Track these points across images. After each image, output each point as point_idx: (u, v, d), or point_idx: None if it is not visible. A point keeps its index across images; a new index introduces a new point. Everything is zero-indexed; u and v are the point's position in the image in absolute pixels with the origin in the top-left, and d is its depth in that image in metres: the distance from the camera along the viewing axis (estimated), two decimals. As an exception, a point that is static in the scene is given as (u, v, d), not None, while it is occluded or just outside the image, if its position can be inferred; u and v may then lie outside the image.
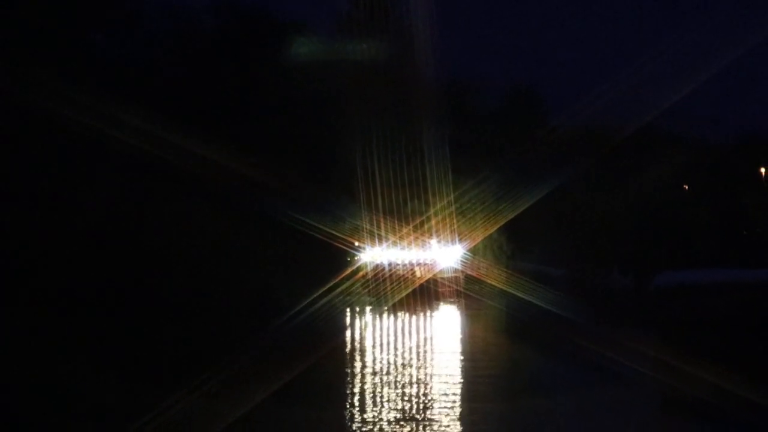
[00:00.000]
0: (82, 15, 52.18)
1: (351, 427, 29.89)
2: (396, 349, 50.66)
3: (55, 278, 40.05)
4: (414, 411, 32.17)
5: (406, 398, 34.49)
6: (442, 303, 71.82)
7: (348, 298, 66.46)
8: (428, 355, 48.72)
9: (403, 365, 43.56)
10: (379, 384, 38.03)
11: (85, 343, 38.59)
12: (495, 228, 74.94)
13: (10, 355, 36.92)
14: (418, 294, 70.56)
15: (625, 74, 78.40)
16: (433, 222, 73.94)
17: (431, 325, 62.23)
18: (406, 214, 72.83)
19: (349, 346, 52.19)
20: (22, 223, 42.67)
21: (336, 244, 68.09)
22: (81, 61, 48.54)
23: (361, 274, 72.62)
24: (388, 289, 70.92)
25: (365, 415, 31.41)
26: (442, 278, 75.43)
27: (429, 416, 31.33)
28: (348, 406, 33.13)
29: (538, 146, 72.67)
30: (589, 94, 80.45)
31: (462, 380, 39.44)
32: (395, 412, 32.17)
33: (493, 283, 71.86)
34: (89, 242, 43.02)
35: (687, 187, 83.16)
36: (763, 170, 79.66)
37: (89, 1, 53.70)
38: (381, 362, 45.47)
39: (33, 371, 35.48)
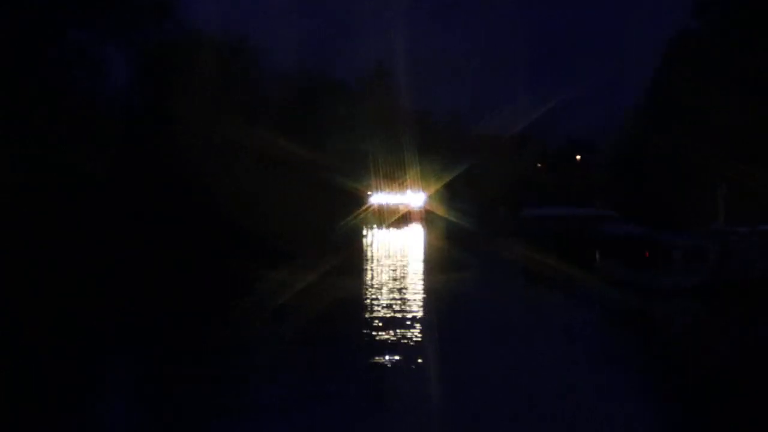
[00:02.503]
0: (232, 74, 50.55)
1: (368, 283, 31.12)
2: (389, 246, 52.29)
3: (210, 222, 38.90)
4: (400, 274, 33.59)
5: (396, 269, 35.50)
6: (413, 223, 71.79)
7: (364, 221, 66.43)
8: (405, 248, 50.08)
9: (394, 253, 45.44)
10: (382, 262, 39.38)
11: (236, 242, 36.68)
12: (441, 186, 75.04)
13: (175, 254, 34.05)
14: (401, 219, 71.65)
15: (512, 103, 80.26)
16: (408, 183, 73.70)
17: (407, 234, 63.01)
18: (395, 179, 72.06)
19: (366, 243, 53.94)
20: (186, 201, 39.78)
21: (359, 194, 67.30)
22: (233, 103, 47.34)
23: (372, 209, 71.91)
24: (385, 216, 71.16)
25: (375, 279, 32.56)
26: (413, 211, 75.38)
27: (408, 277, 33.02)
28: (366, 274, 34.49)
29: (463, 146, 72.26)
30: (492, 115, 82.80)
31: (422, 260, 42.06)
32: (391, 273, 33.69)
33: (439, 214, 72.01)
34: (234, 204, 37.59)
35: (540, 166, 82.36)
36: (578, 157, 78.58)
37: (235, 70, 52.31)
38: (382, 252, 47.08)
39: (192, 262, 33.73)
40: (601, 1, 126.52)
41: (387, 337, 20.40)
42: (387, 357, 18.24)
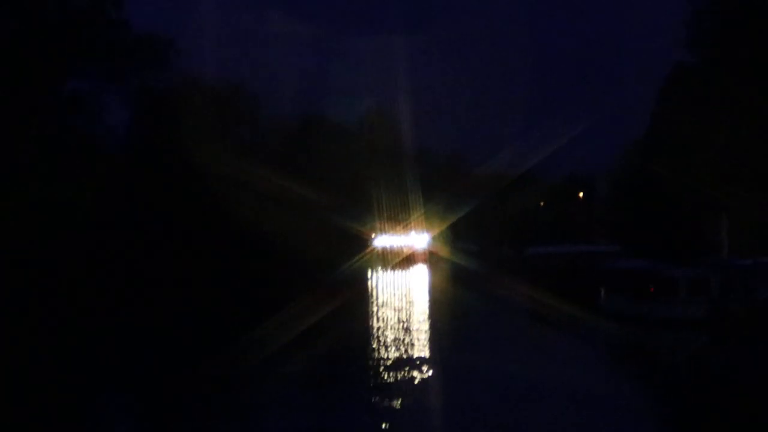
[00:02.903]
0: (231, 117, 51.41)
1: (373, 324, 31.27)
2: (395, 286, 51.99)
3: (227, 259, 41.04)
4: (405, 314, 33.96)
5: (401, 309, 35.86)
6: (417, 264, 71.15)
7: (369, 262, 66.56)
8: (411, 288, 49.80)
9: (399, 294, 45.48)
10: (387, 303, 39.57)
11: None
12: (444, 227, 74.30)
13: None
14: (405, 260, 71.35)
15: (511, 145, 79.83)
16: (412, 224, 72.48)
17: (411, 275, 62.52)
18: (398, 221, 71.12)
19: (371, 284, 53.63)
20: (203, 230, 41.81)
21: (363, 236, 67.64)
22: (233, 145, 48.58)
23: (376, 251, 72.06)
24: (389, 258, 71.00)
25: (381, 320, 32.72)
26: (417, 252, 74.81)
27: (413, 317, 33.23)
28: (372, 316, 34.45)
29: (463, 185, 70.55)
30: (492, 153, 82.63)
31: (427, 302, 41.24)
32: (396, 314, 34.09)
33: (442, 255, 72.24)
34: (238, 238, 42.78)
35: (542, 204, 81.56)
36: (581, 194, 77.07)
37: (234, 113, 53.27)
38: (387, 292, 47.00)
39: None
40: (598, 37, 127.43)
41: (391, 376, 20.53)
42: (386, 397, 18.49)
